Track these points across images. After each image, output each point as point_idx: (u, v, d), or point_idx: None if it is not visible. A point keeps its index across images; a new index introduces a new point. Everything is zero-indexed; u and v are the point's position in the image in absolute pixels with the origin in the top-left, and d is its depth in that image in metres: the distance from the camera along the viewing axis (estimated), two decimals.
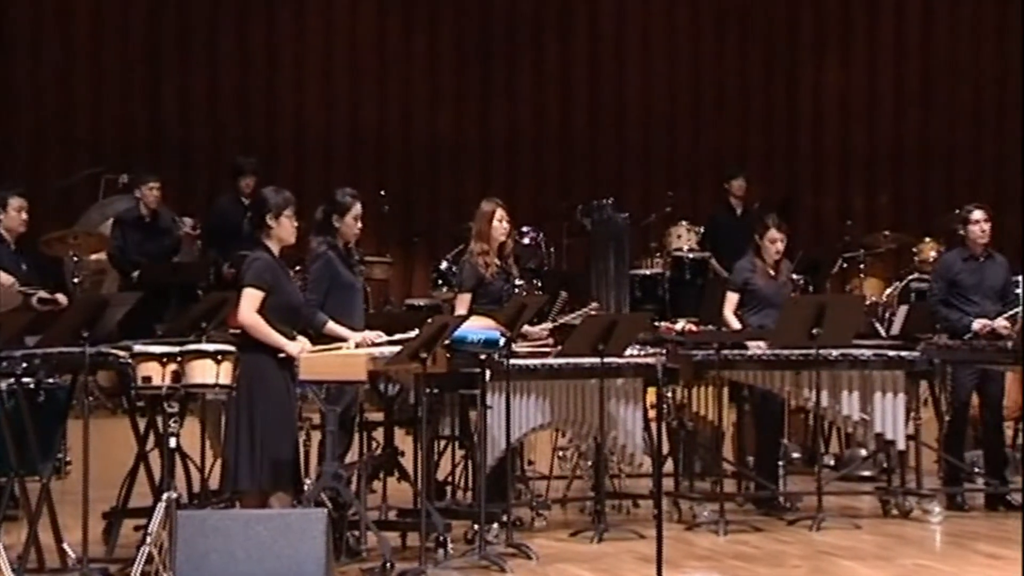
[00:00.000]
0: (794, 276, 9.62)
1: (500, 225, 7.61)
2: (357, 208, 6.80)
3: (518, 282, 8.01)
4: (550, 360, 7.48)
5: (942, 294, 8.58)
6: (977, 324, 8.30)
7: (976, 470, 8.69)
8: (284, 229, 6.24)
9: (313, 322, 6.55)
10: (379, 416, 7.38)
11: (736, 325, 8.27)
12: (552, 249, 11.32)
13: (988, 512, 8.30)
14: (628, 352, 7.68)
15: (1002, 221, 9.62)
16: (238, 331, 6.25)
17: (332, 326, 6.59)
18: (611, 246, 10.81)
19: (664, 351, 8.03)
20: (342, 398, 6.41)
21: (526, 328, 7.48)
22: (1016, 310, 8.38)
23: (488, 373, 6.88)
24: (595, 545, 7.18)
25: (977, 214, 8.56)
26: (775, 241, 8.32)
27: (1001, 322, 8.30)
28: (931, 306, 8.77)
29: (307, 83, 12.72)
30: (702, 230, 11.57)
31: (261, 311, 6.10)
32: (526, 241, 10.96)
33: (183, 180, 11.93)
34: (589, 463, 8.02)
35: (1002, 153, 13.35)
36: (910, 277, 11.00)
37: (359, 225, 6.84)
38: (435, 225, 12.06)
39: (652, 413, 7.86)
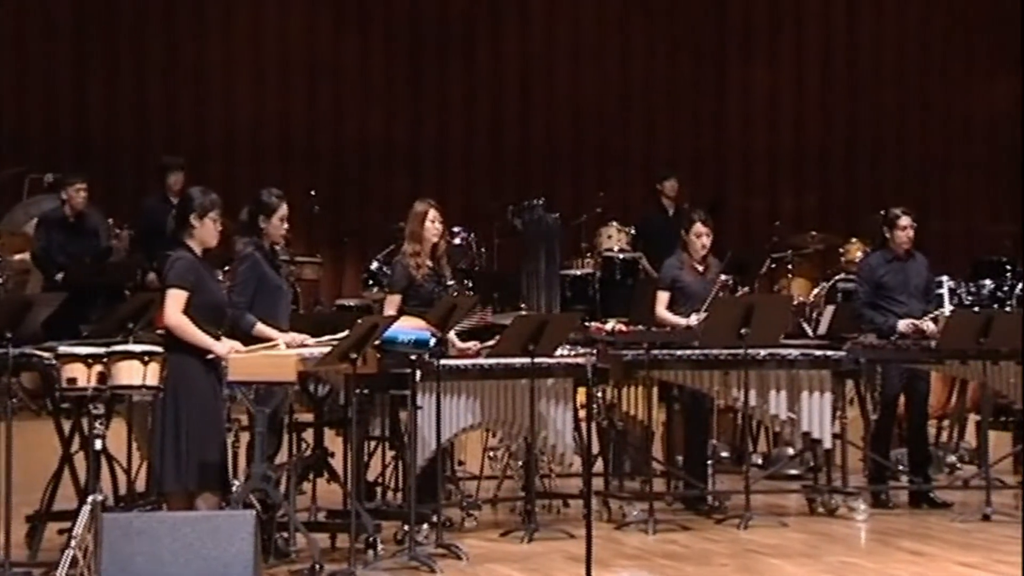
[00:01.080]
0: (723, 276, 9.69)
1: (433, 226, 7.61)
2: (283, 209, 6.76)
3: (449, 283, 8.00)
4: (481, 360, 7.48)
5: (867, 297, 8.70)
6: (902, 325, 8.42)
7: (900, 468, 8.82)
8: (207, 231, 6.17)
9: (241, 324, 6.50)
10: (309, 417, 7.35)
11: (675, 320, 8.29)
12: (483, 249, 11.32)
13: (912, 509, 8.42)
14: (558, 352, 7.70)
15: (925, 222, 9.76)
16: (164, 332, 6.19)
17: (261, 327, 6.55)
18: (542, 246, 10.84)
19: (594, 351, 8.06)
20: (271, 399, 6.37)
21: (456, 342, 7.47)
22: (940, 311, 8.50)
23: (418, 373, 6.86)
24: (525, 545, 7.19)
25: (905, 220, 8.66)
26: (700, 235, 8.36)
27: (929, 326, 8.41)
28: (857, 309, 8.88)
29: (236, 83, 12.63)
30: (633, 230, 11.63)
31: (186, 311, 6.04)
32: (457, 241, 10.95)
33: (109, 180, 11.80)
34: (519, 463, 8.03)
35: (927, 154, 13.56)
36: (837, 277, 11.12)
37: (285, 226, 6.81)
38: (365, 225, 12.04)
39: (582, 413, 7.89)
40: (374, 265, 10.81)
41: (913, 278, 8.66)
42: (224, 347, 6.07)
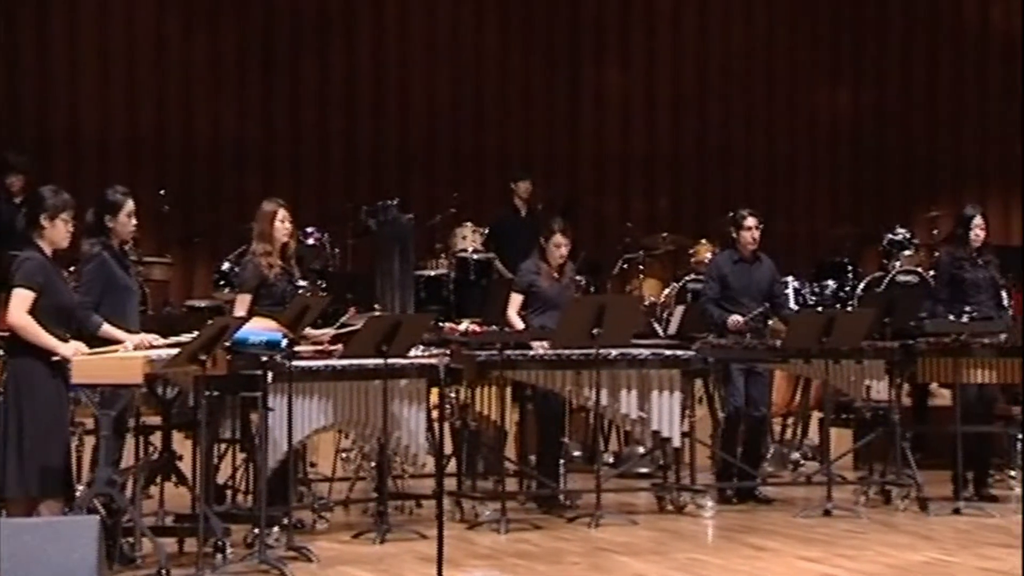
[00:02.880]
0: (577, 277, 9.79)
1: (282, 225, 7.57)
2: (129, 205, 6.65)
3: (301, 283, 7.95)
4: (333, 361, 7.44)
5: (713, 293, 8.90)
6: (731, 320, 8.62)
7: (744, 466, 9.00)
8: (58, 232, 6.06)
9: (87, 324, 6.38)
10: (156, 420, 7.22)
11: (520, 325, 8.37)
12: (337, 250, 11.26)
13: (757, 506, 8.61)
14: (412, 353, 7.69)
15: (772, 224, 10.00)
16: (7, 333, 6.04)
17: (107, 328, 6.43)
18: (396, 247, 10.81)
19: (448, 352, 8.07)
20: (117, 402, 6.25)
21: (308, 331, 7.44)
22: (758, 310, 8.72)
23: (270, 375, 6.80)
24: (377, 546, 7.18)
25: (750, 221, 8.87)
26: (560, 246, 8.45)
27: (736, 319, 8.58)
28: (702, 305, 9.08)
29: (81, 80, 12.33)
30: (487, 231, 11.68)
31: (33, 312, 5.91)
32: (310, 242, 10.89)
33: None
34: (372, 464, 8.01)
35: (772, 158, 13.86)
36: (687, 278, 11.31)
37: (134, 223, 6.70)
38: (217, 225, 11.86)
39: (435, 413, 7.90)
40: (225, 266, 10.66)
41: (757, 281, 8.87)
42: (69, 349, 5.95)
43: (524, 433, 8.90)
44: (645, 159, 13.64)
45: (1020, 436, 9.70)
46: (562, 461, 8.49)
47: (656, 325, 10.86)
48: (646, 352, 8.28)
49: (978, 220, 8.87)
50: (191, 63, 12.57)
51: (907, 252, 11.39)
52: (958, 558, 6.93)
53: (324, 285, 10.49)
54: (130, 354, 6.18)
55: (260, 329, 6.80)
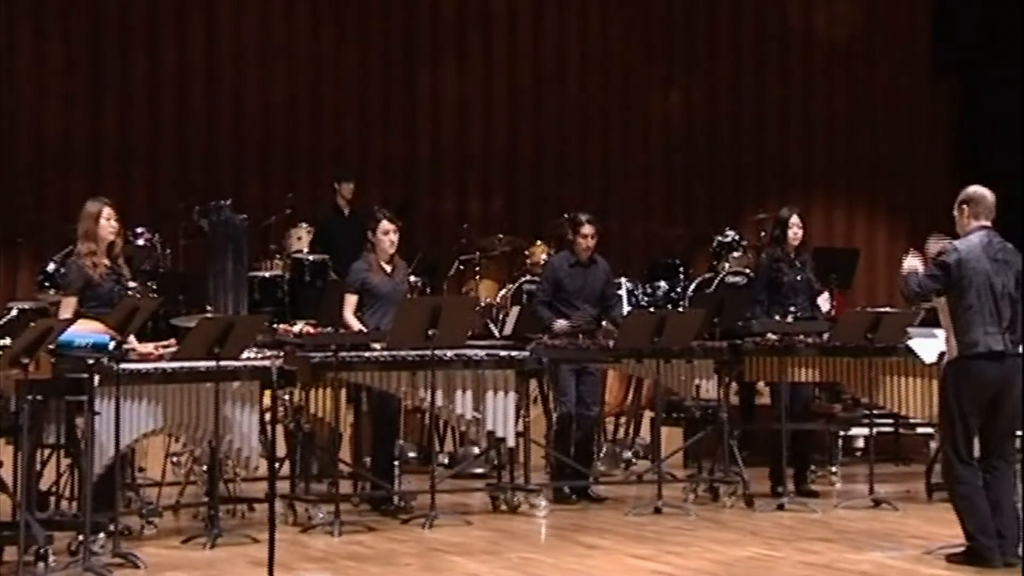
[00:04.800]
0: (412, 278, 9.78)
1: (108, 224, 7.40)
2: None
3: (131, 284, 7.79)
4: (163, 364, 7.30)
5: (545, 296, 8.99)
6: (557, 325, 8.72)
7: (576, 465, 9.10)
8: None
9: None
10: None
11: (357, 326, 8.32)
12: (168, 251, 11.07)
13: (589, 504, 8.71)
14: (245, 355, 7.59)
15: (606, 225, 10.14)
16: None
17: None
18: (229, 248, 10.67)
19: (282, 353, 7.99)
20: None
21: (136, 345, 7.28)
22: (587, 318, 8.86)
23: (96, 378, 6.64)
24: (208, 551, 7.07)
25: (587, 229, 8.97)
26: (388, 232, 8.41)
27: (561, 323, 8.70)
28: (533, 306, 9.16)
29: None
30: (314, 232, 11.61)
31: None
32: (140, 242, 10.69)
33: None
34: (203, 468, 7.88)
35: (607, 160, 14.04)
36: (523, 279, 11.41)
37: None
38: (41, 226, 11.54)
39: (269, 416, 7.81)
40: (50, 267, 10.39)
41: (591, 284, 8.98)
42: None
43: (359, 435, 8.86)
44: (481, 160, 13.70)
45: (842, 433, 10.04)
46: (397, 462, 8.48)
47: (492, 326, 10.93)
48: (481, 353, 8.31)
49: (795, 219, 9.10)
50: (13, 56, 12.20)
51: (736, 254, 11.67)
52: (781, 552, 7.12)
53: (155, 286, 10.30)
54: None
55: (86, 331, 6.64)
